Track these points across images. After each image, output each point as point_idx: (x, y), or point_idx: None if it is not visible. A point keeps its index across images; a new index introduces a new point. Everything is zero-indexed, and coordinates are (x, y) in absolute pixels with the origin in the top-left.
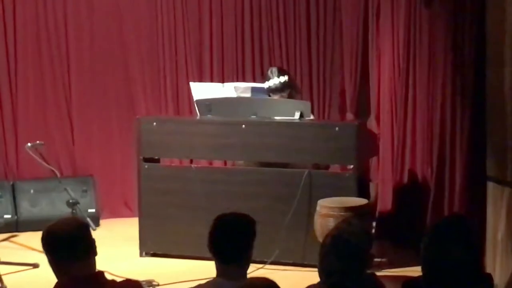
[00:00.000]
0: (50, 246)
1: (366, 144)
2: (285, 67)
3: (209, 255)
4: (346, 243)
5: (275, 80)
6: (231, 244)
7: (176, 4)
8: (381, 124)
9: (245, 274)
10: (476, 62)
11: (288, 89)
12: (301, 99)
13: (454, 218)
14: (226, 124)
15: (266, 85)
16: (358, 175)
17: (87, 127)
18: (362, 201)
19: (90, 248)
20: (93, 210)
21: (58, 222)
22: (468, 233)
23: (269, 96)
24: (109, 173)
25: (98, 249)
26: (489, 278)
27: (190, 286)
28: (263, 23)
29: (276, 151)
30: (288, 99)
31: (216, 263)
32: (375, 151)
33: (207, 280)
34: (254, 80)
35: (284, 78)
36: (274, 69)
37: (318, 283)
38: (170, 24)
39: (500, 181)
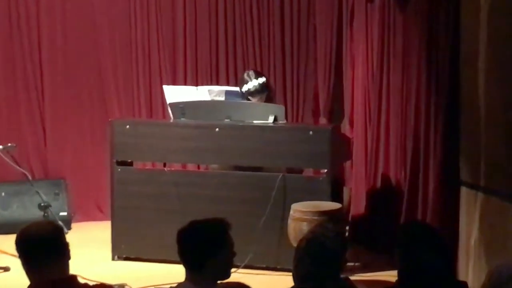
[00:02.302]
0: (24, 248)
1: (340, 148)
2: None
3: None
4: (321, 247)
5: (254, 82)
6: (194, 251)
7: (150, 7)
8: (355, 128)
9: (214, 281)
10: (451, 67)
11: (267, 91)
12: (276, 102)
13: (422, 227)
14: (199, 127)
15: (245, 88)
16: (331, 179)
17: (60, 130)
18: (335, 205)
19: (64, 252)
20: (65, 213)
21: (33, 225)
22: (440, 241)
23: (248, 99)
24: (81, 176)
25: (70, 253)
26: (465, 285)
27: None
28: (237, 27)
29: (250, 155)
30: (262, 103)
31: (184, 268)
32: (348, 155)
33: (177, 284)
34: (228, 84)
35: (262, 80)
36: (251, 72)
37: (293, 287)
38: (143, 27)
39: (473, 186)
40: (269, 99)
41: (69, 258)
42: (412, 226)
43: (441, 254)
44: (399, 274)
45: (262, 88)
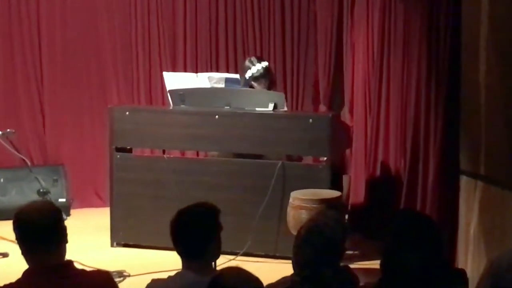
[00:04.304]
0: (21, 230)
1: (340, 136)
2: None
3: None
4: (321, 235)
5: (258, 67)
6: (189, 239)
7: None
8: (355, 116)
9: (211, 266)
10: (451, 55)
11: (270, 74)
12: (278, 86)
13: (410, 220)
14: (199, 114)
15: (249, 74)
16: (331, 167)
17: (59, 116)
18: (335, 193)
19: (61, 235)
20: (64, 200)
21: (30, 206)
22: (426, 234)
23: (251, 86)
24: (80, 162)
25: (68, 239)
26: (462, 273)
27: (158, 277)
28: (237, 13)
29: (250, 142)
30: (263, 90)
31: (181, 257)
32: (348, 143)
33: (177, 271)
34: (227, 71)
35: (265, 63)
36: (253, 58)
37: (292, 275)
38: (143, 13)
39: (473, 175)
40: (272, 83)
41: (66, 241)
42: (404, 216)
43: (428, 250)
44: (382, 268)
45: (265, 72)
